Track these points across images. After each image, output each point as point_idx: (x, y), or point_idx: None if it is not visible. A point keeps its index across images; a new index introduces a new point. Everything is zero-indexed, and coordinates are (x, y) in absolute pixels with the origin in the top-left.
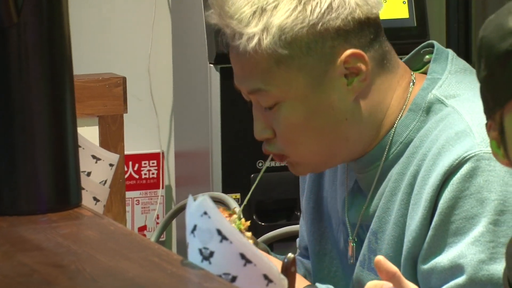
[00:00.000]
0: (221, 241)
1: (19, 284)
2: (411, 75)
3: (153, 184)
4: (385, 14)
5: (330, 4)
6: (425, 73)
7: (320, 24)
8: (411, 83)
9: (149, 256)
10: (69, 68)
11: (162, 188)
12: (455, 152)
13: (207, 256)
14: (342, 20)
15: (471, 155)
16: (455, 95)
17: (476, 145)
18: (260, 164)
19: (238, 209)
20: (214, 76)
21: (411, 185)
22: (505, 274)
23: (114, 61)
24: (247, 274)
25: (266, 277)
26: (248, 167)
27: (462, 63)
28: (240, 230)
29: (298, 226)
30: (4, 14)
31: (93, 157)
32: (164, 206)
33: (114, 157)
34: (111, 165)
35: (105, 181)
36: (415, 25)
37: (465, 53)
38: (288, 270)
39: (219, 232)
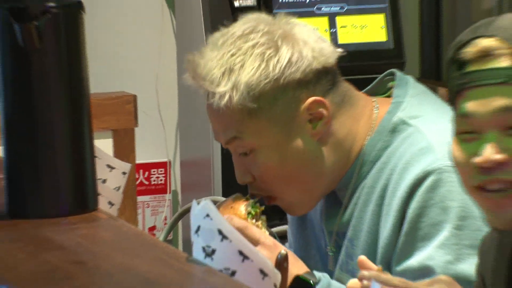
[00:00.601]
0: (221, 240)
1: (43, 280)
2: (373, 102)
3: (161, 189)
4: (365, 37)
5: (290, 59)
6: (388, 97)
7: (282, 78)
8: (375, 109)
9: (158, 254)
10: (86, 87)
11: (169, 193)
12: (419, 167)
13: (210, 253)
14: (302, 72)
15: (434, 169)
16: (417, 115)
17: (437, 159)
18: None
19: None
20: None
21: (382, 197)
22: (478, 270)
23: (125, 81)
24: (245, 269)
25: (262, 271)
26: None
27: (422, 86)
28: (256, 213)
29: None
30: (27, 40)
31: (108, 166)
32: (171, 209)
33: (126, 166)
34: (124, 173)
35: (119, 187)
36: (393, 47)
37: (436, 71)
38: (281, 265)
39: (220, 232)
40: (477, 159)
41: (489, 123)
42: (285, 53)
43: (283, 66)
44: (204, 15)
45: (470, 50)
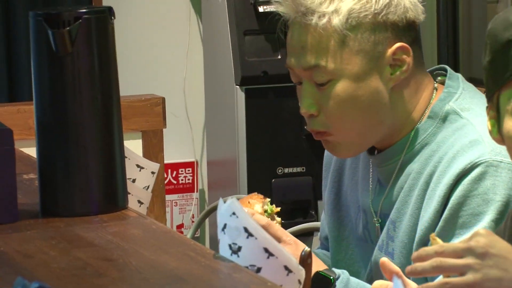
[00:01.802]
0: (247, 237)
1: (74, 276)
2: (434, 82)
3: (188, 188)
4: None
5: (390, 1)
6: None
7: (381, 15)
8: (434, 90)
9: (185, 251)
10: (116, 90)
11: (197, 191)
12: (468, 158)
13: (236, 250)
14: (398, 16)
15: (481, 161)
16: (469, 108)
17: (486, 153)
18: (279, 171)
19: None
20: (240, 96)
21: (427, 183)
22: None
23: (154, 83)
24: (270, 266)
25: (286, 268)
26: (270, 173)
27: (471, 84)
28: (272, 213)
29: (312, 223)
30: (60, 45)
31: (137, 166)
32: (198, 207)
33: (155, 166)
34: (152, 172)
35: (148, 187)
36: None
37: None
38: (305, 262)
39: (245, 229)
40: None
41: None
42: None
43: (384, 4)
44: (230, 20)
45: None
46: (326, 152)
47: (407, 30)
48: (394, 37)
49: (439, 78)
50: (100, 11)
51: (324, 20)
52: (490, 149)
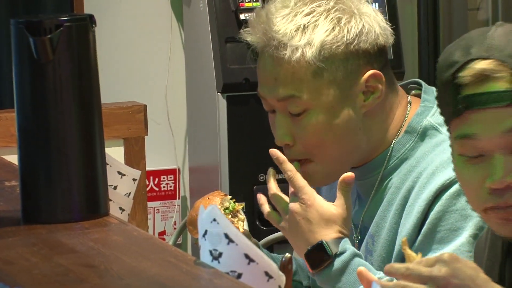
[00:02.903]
0: (228, 243)
1: (56, 282)
2: (407, 97)
3: (170, 195)
4: None
5: (361, 29)
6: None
7: (353, 45)
8: (408, 104)
9: (167, 257)
10: (97, 97)
11: (179, 198)
12: (447, 174)
13: (217, 256)
14: (370, 44)
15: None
16: None
17: None
18: (261, 178)
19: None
20: (222, 103)
21: (406, 198)
22: None
23: (136, 91)
24: (251, 271)
25: (267, 273)
26: (251, 180)
27: None
28: (234, 209)
29: None
30: (42, 53)
31: (119, 173)
32: (180, 214)
33: (136, 173)
34: (134, 179)
35: (129, 193)
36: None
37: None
38: (286, 268)
39: (226, 236)
40: (490, 183)
41: (497, 145)
42: (358, 22)
43: (355, 33)
44: (211, 27)
45: (467, 74)
46: None
47: (379, 55)
48: (366, 64)
49: (413, 92)
50: (81, 19)
51: (298, 53)
52: None
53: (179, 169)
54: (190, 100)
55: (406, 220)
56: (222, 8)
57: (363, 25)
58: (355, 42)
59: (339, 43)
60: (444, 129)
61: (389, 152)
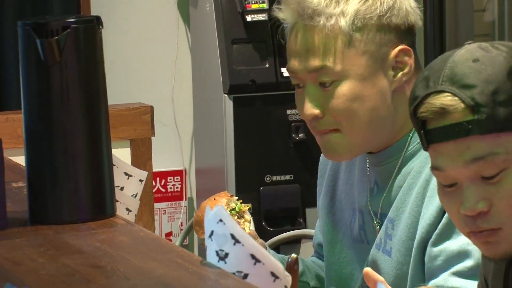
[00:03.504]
0: (234, 244)
1: (63, 283)
2: None
3: (177, 196)
4: None
5: (393, 5)
6: None
7: (385, 17)
8: None
9: (173, 258)
10: (104, 98)
11: (185, 199)
12: None
13: (223, 257)
14: (401, 19)
15: None
16: None
17: None
18: (267, 179)
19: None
20: (228, 104)
21: (427, 181)
22: (481, 272)
23: (142, 92)
24: (257, 272)
25: (273, 274)
26: (258, 181)
27: None
28: (241, 210)
29: (300, 230)
30: (48, 54)
31: (126, 174)
32: (187, 215)
33: (143, 174)
34: (141, 180)
35: (136, 194)
36: None
37: None
38: (292, 268)
39: (232, 236)
40: (463, 210)
41: (463, 175)
42: None
43: (388, 6)
44: (218, 29)
45: (425, 110)
46: (321, 159)
47: (408, 33)
48: (397, 39)
49: None
50: (88, 21)
51: (332, 21)
52: None
53: (185, 170)
54: (196, 101)
55: (430, 203)
56: (229, 10)
57: (395, 1)
58: (387, 15)
59: (372, 14)
60: None
61: (410, 137)
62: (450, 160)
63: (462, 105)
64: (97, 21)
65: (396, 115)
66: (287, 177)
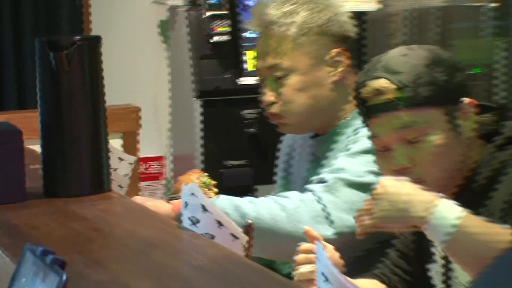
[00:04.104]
0: (204, 212)
1: (71, 243)
2: None
3: (157, 177)
4: None
5: (332, 17)
6: None
7: (325, 26)
8: None
9: (156, 223)
10: (103, 100)
11: (164, 179)
12: None
13: (195, 222)
14: (338, 28)
15: None
16: None
17: None
18: (227, 163)
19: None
20: (198, 106)
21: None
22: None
23: (132, 96)
24: (221, 234)
25: (233, 235)
26: (220, 165)
27: None
28: (210, 185)
29: None
30: (59, 65)
31: (119, 158)
32: (165, 192)
33: (132, 158)
34: (130, 164)
35: (127, 174)
36: None
37: None
38: (248, 231)
39: (202, 206)
40: (394, 168)
41: (393, 139)
42: (329, 12)
43: (327, 18)
44: (190, 47)
45: (366, 92)
46: (281, 144)
47: (344, 40)
48: (334, 44)
49: None
50: (92, 38)
51: (283, 29)
52: None
53: (164, 157)
54: (173, 103)
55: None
56: (198, 32)
57: (333, 14)
58: (327, 24)
59: (314, 24)
60: None
61: (347, 122)
62: (384, 128)
63: (393, 86)
64: (98, 39)
65: (336, 103)
66: (242, 161)
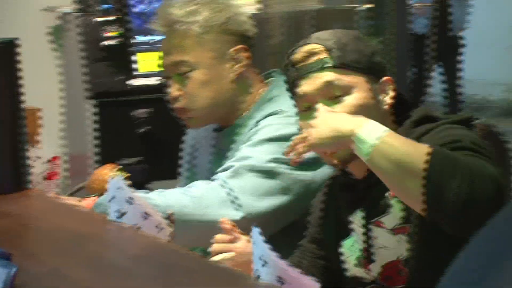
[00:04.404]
0: (130, 204)
1: (1, 238)
2: (264, 81)
3: (53, 176)
4: None
5: (232, 16)
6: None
7: (225, 25)
8: (264, 85)
9: (82, 216)
10: (21, 101)
11: (59, 179)
12: (270, 109)
13: (122, 214)
14: (238, 27)
15: (279, 111)
16: (287, 92)
17: (282, 107)
18: (122, 161)
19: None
20: (91, 107)
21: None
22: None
23: (34, 98)
24: (147, 224)
25: (159, 225)
26: (114, 163)
27: None
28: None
29: None
30: None
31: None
32: (62, 190)
33: (47, 157)
34: (43, 163)
35: (40, 173)
36: None
37: None
38: (170, 221)
39: (129, 198)
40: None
41: (318, 96)
42: (230, 10)
43: (227, 17)
44: (82, 51)
45: (297, 54)
46: (185, 138)
47: (244, 38)
48: (235, 41)
49: (269, 79)
50: (7, 41)
51: (186, 26)
52: (287, 105)
53: (59, 157)
54: (67, 106)
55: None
56: (90, 37)
57: (233, 14)
58: (228, 23)
59: (215, 22)
60: (281, 96)
61: (248, 116)
62: (311, 86)
63: (322, 48)
64: (14, 42)
65: (238, 97)
66: (136, 159)
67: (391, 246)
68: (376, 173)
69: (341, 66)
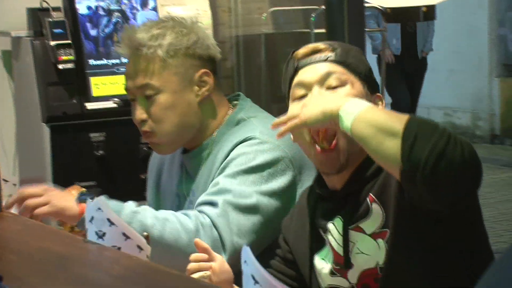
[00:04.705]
0: (110, 225)
1: None
2: (229, 104)
3: None
4: None
5: (197, 40)
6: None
7: (191, 49)
8: (230, 107)
9: (62, 238)
10: None
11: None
12: (243, 135)
13: (101, 235)
14: (203, 51)
15: (252, 136)
16: (255, 116)
17: (255, 132)
18: (77, 184)
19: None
20: (46, 131)
21: (215, 163)
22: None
23: None
24: (127, 245)
25: (139, 246)
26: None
27: (257, 105)
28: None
29: None
30: None
31: (4, 180)
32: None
33: (15, 180)
34: (14, 184)
35: (11, 195)
36: None
37: None
38: (148, 241)
39: (109, 220)
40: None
41: (315, 83)
42: (195, 34)
43: (193, 41)
44: (37, 75)
45: (303, 49)
46: (150, 160)
47: (209, 61)
48: (200, 65)
49: (234, 102)
50: None
51: (152, 50)
52: (258, 132)
53: (11, 182)
54: (20, 130)
55: (215, 172)
56: (44, 61)
57: (198, 38)
58: (193, 47)
59: (181, 46)
60: (252, 118)
61: (213, 139)
62: (312, 73)
63: (327, 47)
64: None
65: (202, 120)
66: (91, 183)
67: (370, 252)
68: (358, 141)
69: (343, 63)
